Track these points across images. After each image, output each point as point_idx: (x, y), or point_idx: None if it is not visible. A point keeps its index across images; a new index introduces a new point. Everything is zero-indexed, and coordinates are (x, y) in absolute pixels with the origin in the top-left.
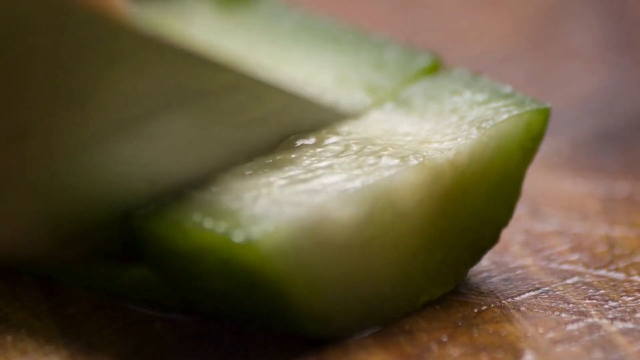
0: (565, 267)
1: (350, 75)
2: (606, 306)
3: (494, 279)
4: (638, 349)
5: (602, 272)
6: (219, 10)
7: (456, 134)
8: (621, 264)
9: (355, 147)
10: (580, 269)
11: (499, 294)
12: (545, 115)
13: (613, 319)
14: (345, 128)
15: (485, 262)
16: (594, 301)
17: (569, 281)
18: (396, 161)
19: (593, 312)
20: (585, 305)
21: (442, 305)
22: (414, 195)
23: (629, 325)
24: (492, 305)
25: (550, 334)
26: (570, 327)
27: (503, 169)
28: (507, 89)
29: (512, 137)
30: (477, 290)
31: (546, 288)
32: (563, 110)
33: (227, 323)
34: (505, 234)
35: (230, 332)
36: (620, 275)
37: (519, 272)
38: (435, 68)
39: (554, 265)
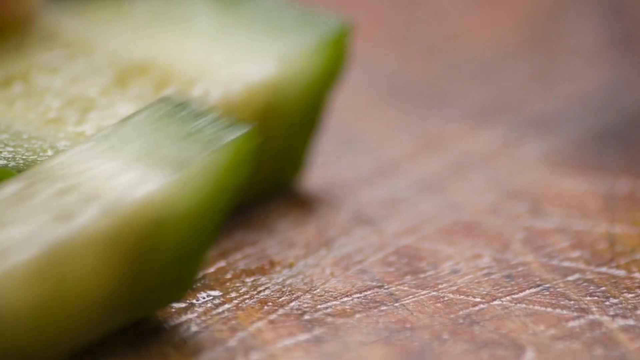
0: (566, 264)
1: None
2: (607, 303)
3: (494, 276)
4: (639, 345)
5: (603, 269)
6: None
7: (149, 175)
8: (622, 261)
9: (44, 191)
10: (581, 266)
11: (500, 291)
12: (248, 141)
13: (614, 316)
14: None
15: (486, 259)
16: (595, 298)
17: (570, 278)
18: (79, 212)
19: (594, 309)
20: (586, 302)
21: (443, 302)
22: (96, 252)
23: (630, 322)
24: (493, 302)
25: (551, 331)
26: (571, 324)
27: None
28: (209, 115)
29: (215, 175)
30: (478, 287)
31: (547, 285)
32: (565, 108)
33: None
34: (506, 231)
35: (231, 331)
36: (621, 272)
37: (520, 269)
38: (342, 37)
39: (555, 262)
